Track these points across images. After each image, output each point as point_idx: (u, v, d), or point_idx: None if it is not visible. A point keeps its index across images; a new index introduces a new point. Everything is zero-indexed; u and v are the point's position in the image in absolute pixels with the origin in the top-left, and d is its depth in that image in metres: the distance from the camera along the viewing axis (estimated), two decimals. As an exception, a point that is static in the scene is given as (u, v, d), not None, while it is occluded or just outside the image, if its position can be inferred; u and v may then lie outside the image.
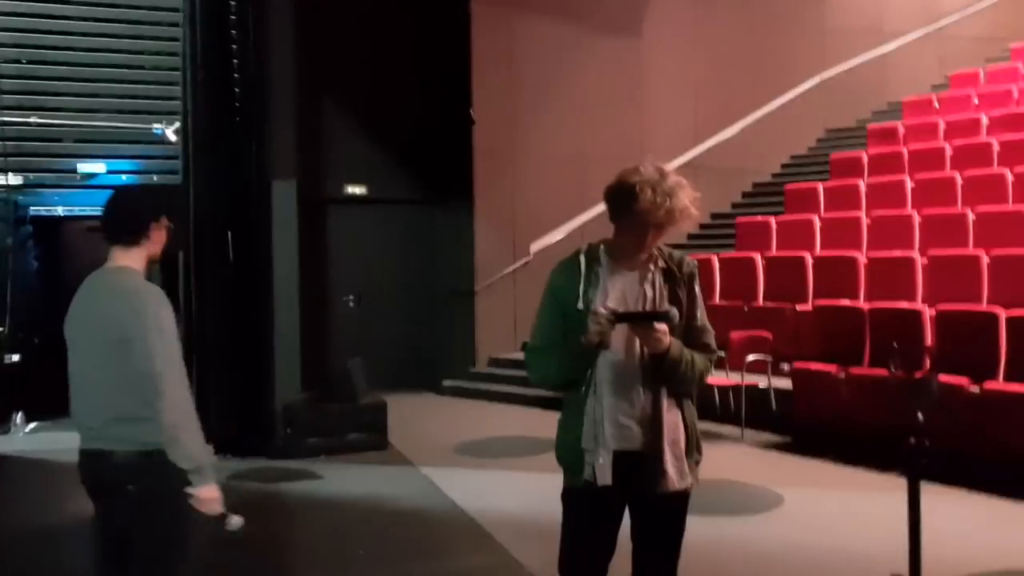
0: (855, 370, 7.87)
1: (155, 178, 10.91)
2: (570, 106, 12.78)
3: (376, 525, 6.52)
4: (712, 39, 14.17)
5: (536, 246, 12.31)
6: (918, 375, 3.04)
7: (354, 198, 12.21)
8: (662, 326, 3.03)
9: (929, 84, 15.62)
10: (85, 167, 10.82)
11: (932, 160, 11.38)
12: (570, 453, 3.18)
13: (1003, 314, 7.41)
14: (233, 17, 8.95)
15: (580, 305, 3.14)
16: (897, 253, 9.30)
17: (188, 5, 9.20)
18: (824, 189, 11.87)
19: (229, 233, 8.67)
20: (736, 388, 8.77)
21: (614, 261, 3.21)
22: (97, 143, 10.96)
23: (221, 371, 8.66)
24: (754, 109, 14.65)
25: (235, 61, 8.94)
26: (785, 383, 8.59)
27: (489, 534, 6.04)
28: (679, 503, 3.22)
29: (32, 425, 9.42)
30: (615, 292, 3.15)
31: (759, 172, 14.66)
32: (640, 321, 3.05)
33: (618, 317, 3.03)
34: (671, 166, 3.18)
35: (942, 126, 12.47)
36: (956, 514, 6.19)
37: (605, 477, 3.10)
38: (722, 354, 8.66)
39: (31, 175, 10.74)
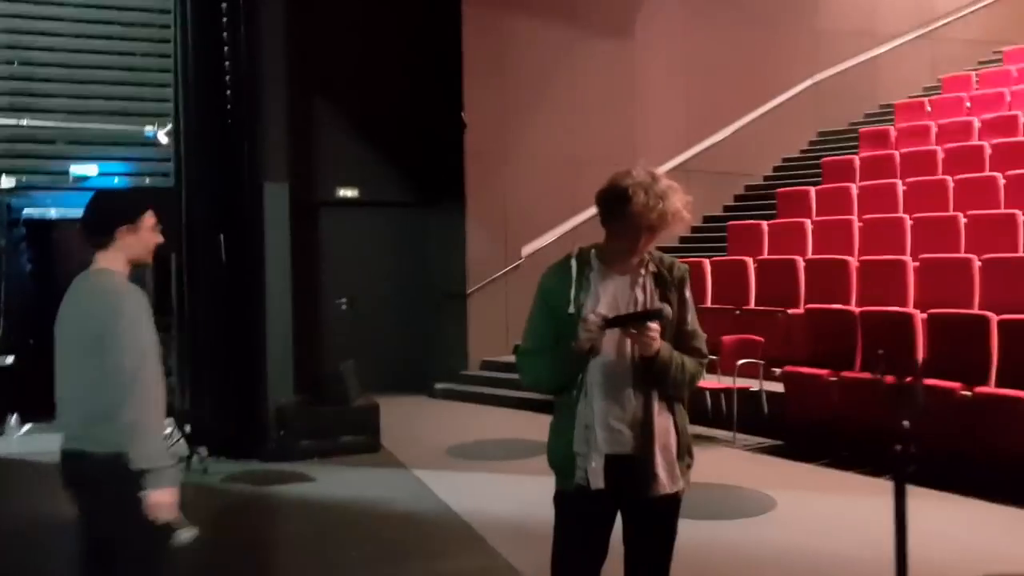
0: (847, 374, 7.88)
1: (147, 180, 10.90)
2: (562, 109, 12.79)
3: (368, 527, 6.52)
4: (704, 42, 14.18)
5: (528, 249, 12.32)
6: (903, 382, 3.05)
7: (346, 200, 12.20)
8: (655, 325, 3.04)
9: (921, 87, 15.67)
10: (77, 169, 10.80)
11: (924, 163, 11.41)
12: (562, 457, 3.18)
13: (994, 318, 7.43)
14: (224, 19, 8.95)
15: (571, 309, 3.15)
16: (889, 256, 9.32)
17: (179, 8, 9.22)
18: (816, 192, 11.89)
19: (221, 235, 8.67)
20: (728, 392, 8.77)
21: (605, 265, 3.21)
22: (89, 145, 10.95)
23: (214, 373, 8.67)
24: (746, 112, 14.67)
25: (227, 63, 8.94)
26: (777, 387, 8.61)
27: (481, 537, 6.05)
28: (671, 507, 3.22)
29: (27, 427, 9.40)
30: (606, 296, 3.16)
31: (751, 175, 14.68)
32: (632, 322, 3.06)
33: (608, 322, 3.04)
34: (663, 169, 3.19)
35: (934, 129, 12.51)
36: (948, 518, 6.21)
37: (597, 481, 3.11)
38: (714, 358, 8.65)
39: (23, 177, 10.72)
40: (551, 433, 3.27)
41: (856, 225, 10.47)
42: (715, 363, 8.79)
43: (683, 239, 13.02)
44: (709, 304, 10.43)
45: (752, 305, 10.16)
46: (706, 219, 13.71)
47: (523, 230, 12.38)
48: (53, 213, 10.71)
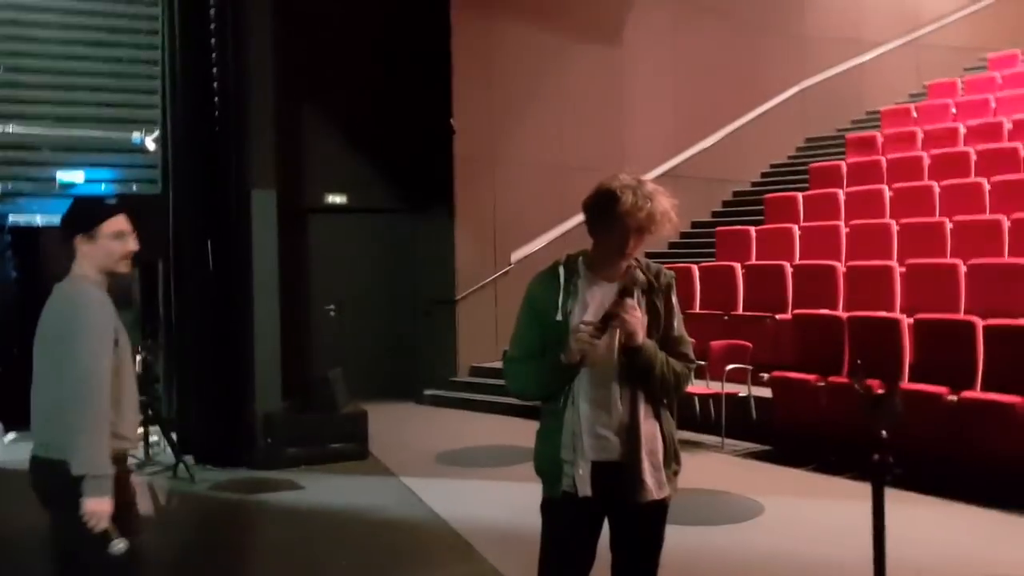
0: (834, 379, 7.90)
1: (134, 187, 10.87)
2: (550, 115, 12.81)
3: (356, 535, 6.50)
4: (692, 48, 14.25)
5: (517, 255, 12.32)
6: (881, 392, 3.07)
7: (334, 207, 12.18)
8: (631, 301, 3.05)
9: (907, 93, 15.76)
10: (64, 176, 10.76)
11: (910, 169, 11.46)
12: (549, 464, 3.18)
13: (980, 323, 7.46)
14: (212, 26, 8.94)
15: (559, 316, 3.16)
16: (875, 262, 9.36)
17: (167, 14, 9.20)
18: (803, 198, 11.93)
19: (209, 242, 8.65)
20: (716, 397, 8.78)
21: (592, 272, 3.22)
22: (76, 152, 10.91)
23: (201, 381, 8.63)
24: (734, 118, 14.75)
25: (214, 70, 8.92)
26: (765, 392, 8.62)
27: (469, 544, 6.03)
28: (658, 513, 3.23)
29: (12, 435, 9.35)
30: (594, 303, 3.16)
31: (739, 181, 14.75)
32: (613, 312, 3.05)
33: (600, 328, 3.04)
34: (652, 175, 3.20)
35: (920, 135, 12.57)
36: (935, 523, 6.24)
37: (584, 488, 3.11)
38: (702, 363, 8.68)
39: (9, 184, 10.67)
40: (538, 440, 3.27)
41: (843, 231, 10.51)
42: (703, 368, 8.81)
43: (672, 244, 13.08)
44: (697, 310, 10.46)
45: (740, 310, 10.19)
46: (694, 225, 13.75)
47: (512, 236, 12.39)
48: (39, 220, 10.67)
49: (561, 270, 3.24)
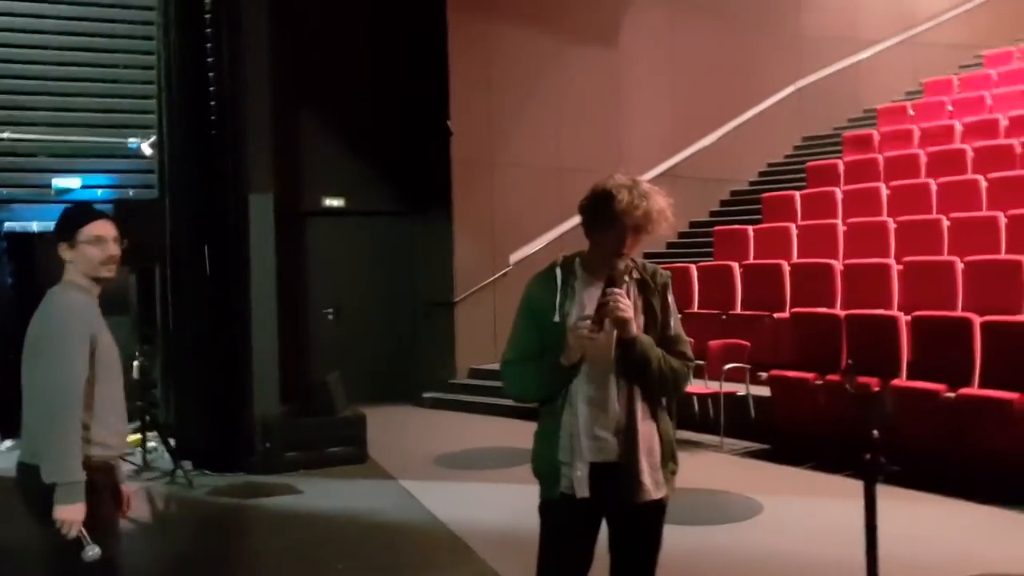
0: (832, 377, 7.90)
1: (131, 192, 10.85)
2: (548, 116, 12.81)
3: (356, 538, 6.50)
4: (689, 49, 14.26)
5: (515, 256, 12.32)
6: (871, 391, 3.08)
7: (332, 210, 12.17)
8: (619, 291, 3.04)
9: (903, 91, 15.77)
10: (60, 182, 10.75)
11: (907, 167, 11.47)
12: (547, 466, 3.18)
13: (977, 319, 7.46)
14: (208, 30, 8.93)
15: (556, 318, 3.16)
16: (873, 260, 9.36)
17: (163, 19, 9.19)
18: (801, 197, 11.93)
19: (206, 247, 8.64)
20: (715, 396, 8.78)
21: (589, 273, 3.21)
22: (72, 158, 10.90)
23: (199, 385, 8.62)
24: (731, 118, 14.75)
25: (210, 74, 8.91)
26: (764, 391, 8.62)
27: (469, 547, 6.03)
28: (656, 513, 3.22)
29: (9, 443, 9.33)
30: (591, 304, 3.14)
31: (736, 180, 14.75)
32: (602, 302, 3.03)
33: (596, 322, 3.02)
34: (649, 175, 3.21)
35: (917, 133, 12.58)
36: (934, 520, 6.25)
37: (582, 489, 3.10)
38: (700, 363, 8.67)
39: (4, 190, 10.66)
40: (535, 442, 3.27)
41: (840, 229, 10.51)
42: (702, 368, 8.81)
43: (670, 244, 13.09)
44: (696, 309, 10.46)
45: (738, 310, 10.19)
46: (692, 224, 13.76)
47: (510, 238, 12.38)
48: (35, 227, 10.65)
49: (558, 271, 3.24)
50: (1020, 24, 16.74)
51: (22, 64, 10.80)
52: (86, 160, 10.90)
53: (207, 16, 8.95)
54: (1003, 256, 8.66)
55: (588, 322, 3.02)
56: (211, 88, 8.91)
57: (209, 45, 8.93)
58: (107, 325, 3.58)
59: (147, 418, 8.44)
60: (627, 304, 3.07)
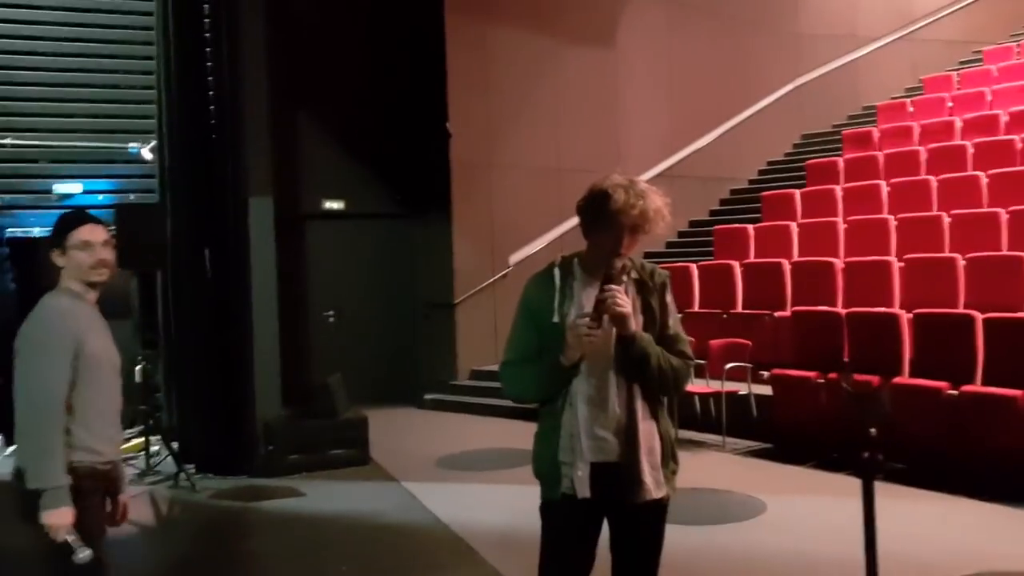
0: (834, 376, 7.89)
1: (132, 197, 10.87)
2: (546, 117, 12.81)
3: (358, 540, 6.49)
4: (686, 48, 14.26)
5: (515, 257, 12.31)
6: (868, 390, 3.08)
7: (332, 213, 12.17)
8: (618, 287, 3.04)
9: (903, 88, 15.77)
10: (61, 188, 10.77)
11: (907, 164, 11.47)
12: (547, 466, 3.18)
13: (979, 316, 7.46)
14: (207, 35, 8.94)
15: (555, 319, 3.15)
16: (874, 257, 9.35)
17: (162, 24, 9.20)
18: (800, 195, 11.93)
19: (207, 251, 8.65)
20: (716, 396, 8.78)
21: (588, 274, 3.21)
22: (73, 163, 10.92)
23: (201, 389, 8.62)
24: (730, 116, 14.75)
25: (209, 79, 8.92)
26: (765, 390, 8.61)
27: (472, 548, 6.03)
28: (657, 512, 3.22)
29: (12, 448, 9.34)
30: (589, 304, 3.14)
31: (736, 179, 14.75)
32: (600, 299, 3.03)
33: (595, 319, 3.02)
34: (648, 175, 3.21)
35: (916, 130, 12.58)
36: (937, 517, 6.24)
37: (583, 489, 3.10)
38: (702, 362, 8.69)
39: (6, 196, 10.68)
40: (536, 442, 3.26)
41: (841, 227, 10.51)
42: (703, 367, 8.82)
43: (670, 244, 13.09)
44: (696, 308, 10.46)
45: (739, 309, 10.19)
46: (692, 224, 13.76)
47: (510, 239, 12.38)
48: (37, 232, 10.67)
49: (556, 272, 3.24)
50: (1017, 20, 16.76)
51: (23, 71, 10.84)
52: (87, 165, 10.94)
53: (206, 21, 8.95)
54: (1004, 252, 8.66)
55: (587, 319, 3.03)
56: (210, 92, 8.92)
57: (208, 50, 8.94)
58: (106, 328, 3.59)
59: (150, 422, 8.45)
60: (625, 300, 3.07)
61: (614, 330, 3.10)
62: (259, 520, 7.22)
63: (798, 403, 8.14)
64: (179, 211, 8.82)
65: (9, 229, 10.69)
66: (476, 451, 9.09)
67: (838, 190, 11.51)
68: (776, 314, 9.46)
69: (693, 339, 3.36)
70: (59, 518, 3.21)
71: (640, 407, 3.14)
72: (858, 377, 7.52)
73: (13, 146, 10.66)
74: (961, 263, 8.53)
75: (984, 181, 10.01)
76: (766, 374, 8.64)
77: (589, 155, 12.42)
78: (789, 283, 9.86)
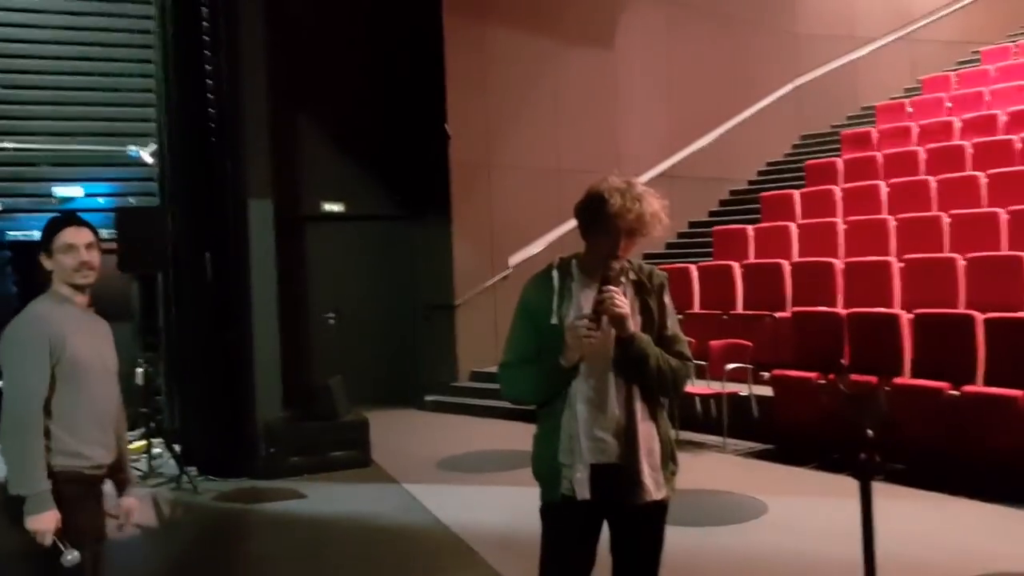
0: (834, 376, 7.89)
1: (132, 200, 10.88)
2: (545, 118, 12.82)
3: (360, 542, 6.50)
4: (685, 48, 14.27)
5: (515, 259, 12.32)
6: (865, 390, 3.08)
7: (331, 215, 12.18)
8: (616, 288, 3.05)
9: (901, 89, 15.78)
10: (61, 191, 10.78)
11: (906, 164, 11.48)
12: (547, 468, 3.18)
13: (980, 316, 7.46)
14: (206, 38, 8.95)
15: (554, 320, 3.16)
16: (873, 258, 9.36)
17: (161, 28, 9.21)
18: (800, 196, 11.94)
19: (208, 253, 8.65)
20: (717, 397, 8.77)
21: (586, 275, 3.21)
22: (73, 166, 10.93)
23: (202, 392, 8.63)
24: (729, 117, 14.76)
25: (208, 81, 8.92)
26: (766, 391, 8.61)
27: (472, 549, 6.04)
28: (657, 514, 3.22)
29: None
30: (588, 306, 3.15)
31: (735, 180, 14.76)
32: (598, 299, 3.04)
33: (594, 320, 3.02)
34: (647, 176, 3.22)
35: (915, 130, 12.59)
36: (937, 518, 6.25)
37: (583, 491, 3.11)
38: (702, 363, 8.70)
39: (7, 200, 10.69)
40: (535, 444, 3.27)
41: (840, 227, 10.51)
42: (704, 368, 8.82)
43: (669, 245, 13.09)
44: (696, 310, 10.46)
45: (739, 309, 10.19)
46: (691, 224, 13.78)
47: (510, 240, 12.38)
48: (38, 235, 10.67)
49: (555, 273, 3.24)
50: (1015, 20, 16.77)
51: (23, 74, 10.85)
52: (87, 168, 10.94)
53: (205, 24, 8.96)
54: (1004, 252, 8.67)
55: (586, 321, 3.03)
56: (210, 95, 8.93)
57: (207, 52, 8.94)
58: (102, 330, 3.59)
59: (152, 424, 8.46)
60: (623, 301, 3.07)
61: (613, 331, 3.11)
62: (260, 522, 7.23)
63: (799, 404, 8.13)
64: (179, 214, 8.83)
65: (10, 232, 10.70)
66: (476, 452, 9.10)
67: (837, 191, 11.52)
68: (776, 315, 9.46)
69: (693, 340, 3.36)
70: (42, 523, 3.20)
71: (639, 408, 3.14)
72: (858, 378, 7.52)
73: (14, 149, 10.67)
74: (961, 263, 8.53)
75: (983, 181, 10.02)
76: (766, 375, 8.64)
77: (588, 156, 12.43)
78: (789, 284, 9.86)
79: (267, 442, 8.37)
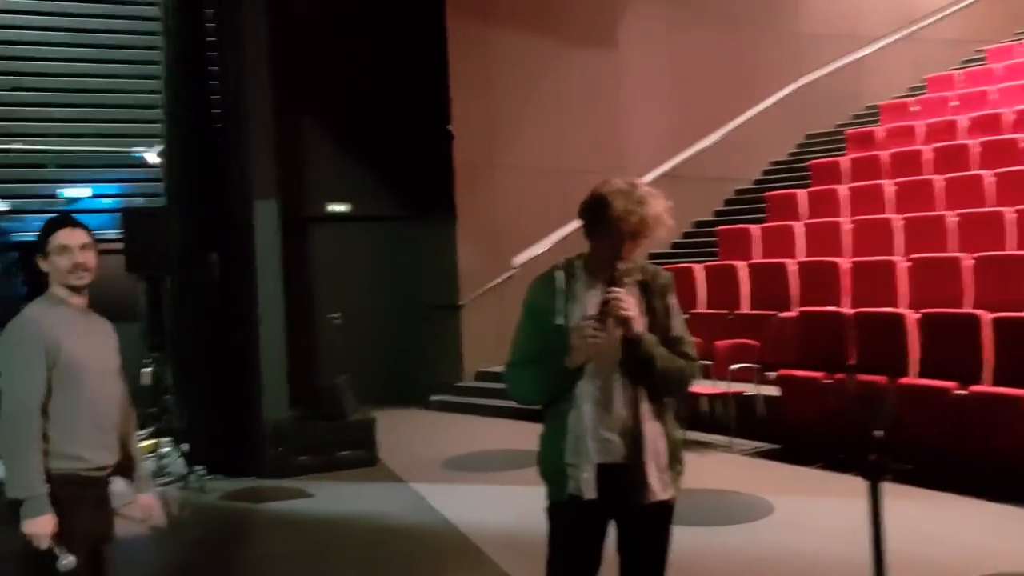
0: (841, 376, 7.89)
1: (138, 201, 10.91)
2: (548, 118, 12.82)
3: (367, 542, 6.51)
4: (688, 48, 14.26)
5: (519, 259, 12.31)
6: (872, 391, 3.07)
7: (336, 216, 12.21)
8: (622, 290, 3.06)
9: (906, 88, 15.75)
10: (69, 192, 10.82)
11: (911, 164, 11.47)
12: (553, 468, 3.19)
13: (986, 316, 7.46)
14: (211, 39, 8.97)
15: (559, 320, 3.16)
16: (879, 257, 9.35)
17: (167, 30, 9.22)
18: (805, 195, 11.93)
19: (214, 254, 8.66)
20: (723, 396, 8.77)
21: (591, 276, 3.22)
22: (80, 168, 10.97)
23: (209, 392, 8.64)
24: (733, 117, 14.73)
25: (214, 83, 8.95)
26: (772, 390, 8.61)
27: (479, 549, 6.05)
28: (663, 514, 3.23)
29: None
30: (592, 307, 3.15)
31: (740, 180, 14.74)
32: (605, 300, 3.05)
33: (600, 320, 3.03)
34: (651, 176, 3.22)
35: (920, 129, 12.57)
36: (946, 518, 6.24)
37: (589, 491, 3.11)
38: (708, 363, 8.69)
39: (15, 201, 10.73)
40: (541, 444, 3.27)
41: (845, 227, 10.50)
42: (710, 368, 8.82)
43: (674, 245, 13.09)
44: (701, 309, 10.46)
45: (745, 309, 10.19)
46: (696, 224, 13.76)
47: (514, 240, 12.38)
48: (38, 236, 10.71)
49: (560, 274, 3.25)
50: (1020, 18, 16.73)
51: (30, 77, 10.89)
52: (94, 170, 10.99)
53: (210, 26, 8.98)
54: (1010, 251, 8.66)
55: (591, 322, 3.04)
56: (215, 97, 8.95)
57: (212, 54, 8.97)
58: (103, 331, 3.58)
59: (160, 424, 8.48)
60: (629, 302, 3.08)
61: (619, 332, 3.12)
62: (268, 521, 7.24)
63: (805, 403, 8.13)
64: (185, 215, 8.85)
65: (18, 233, 10.73)
66: (483, 452, 9.11)
67: (842, 190, 11.51)
68: (782, 314, 9.45)
69: (699, 340, 3.36)
70: (38, 527, 3.19)
71: (645, 408, 3.15)
72: (865, 377, 7.53)
73: (21, 151, 10.71)
74: (967, 262, 8.52)
75: (989, 180, 10.01)
76: (773, 375, 8.64)
77: (592, 156, 12.43)
78: (794, 283, 9.86)
79: (274, 441, 8.39)
